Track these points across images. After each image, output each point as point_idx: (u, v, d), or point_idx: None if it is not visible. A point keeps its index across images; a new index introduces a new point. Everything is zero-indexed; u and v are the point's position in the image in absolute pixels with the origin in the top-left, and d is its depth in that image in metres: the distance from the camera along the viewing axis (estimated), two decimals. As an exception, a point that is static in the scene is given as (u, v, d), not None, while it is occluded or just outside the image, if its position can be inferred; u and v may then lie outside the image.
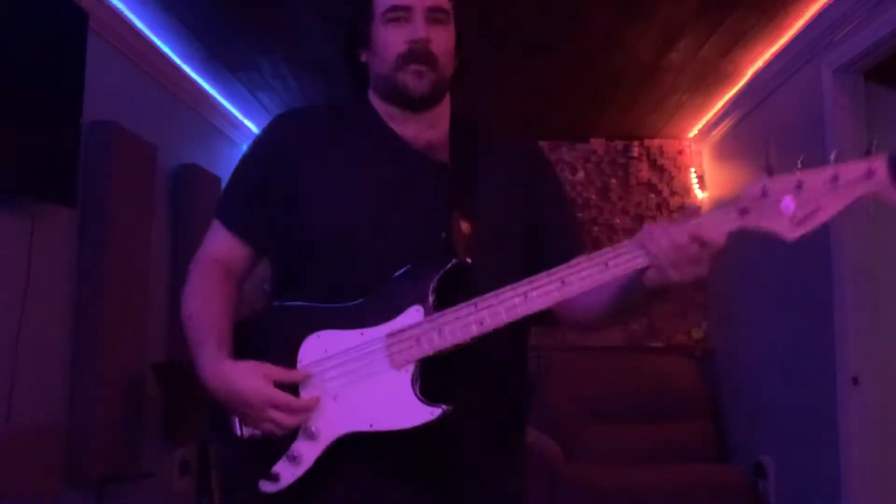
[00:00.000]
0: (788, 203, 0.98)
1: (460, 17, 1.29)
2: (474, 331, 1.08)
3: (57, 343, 2.65)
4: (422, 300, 1.11)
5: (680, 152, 4.71)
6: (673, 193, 4.70)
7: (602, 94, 3.97)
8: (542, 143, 4.66)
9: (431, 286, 1.11)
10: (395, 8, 1.19)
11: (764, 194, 1.00)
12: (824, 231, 2.92)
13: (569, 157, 4.72)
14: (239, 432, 1.17)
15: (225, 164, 4.35)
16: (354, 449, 1.12)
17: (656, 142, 4.71)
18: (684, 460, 3.86)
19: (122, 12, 2.95)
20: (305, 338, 1.15)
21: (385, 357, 1.11)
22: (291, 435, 1.13)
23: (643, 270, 1.04)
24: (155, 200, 3.25)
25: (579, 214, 4.68)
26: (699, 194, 4.66)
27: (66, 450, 2.60)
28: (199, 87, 3.78)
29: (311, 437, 1.12)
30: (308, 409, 1.12)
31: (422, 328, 1.10)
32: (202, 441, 3.19)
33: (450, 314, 1.09)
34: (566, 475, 3.66)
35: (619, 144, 4.72)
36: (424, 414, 1.08)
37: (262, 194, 1.26)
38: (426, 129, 1.27)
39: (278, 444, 1.13)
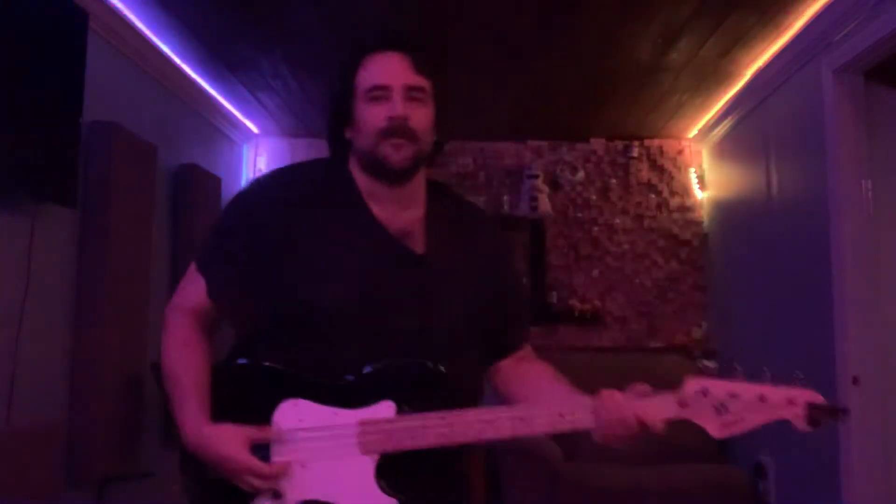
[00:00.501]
0: (722, 407, 1.18)
1: (441, 93, 1.34)
2: (435, 442, 1.19)
3: (57, 343, 2.65)
4: (395, 398, 1.21)
5: (680, 152, 4.71)
6: (673, 193, 4.70)
7: (602, 94, 3.97)
8: (542, 144, 4.73)
9: (405, 386, 1.21)
10: (374, 87, 1.26)
11: (703, 394, 1.19)
12: (824, 231, 2.93)
13: (569, 157, 4.72)
14: (212, 475, 1.24)
15: (225, 164, 4.35)
16: None
17: (656, 142, 4.71)
18: (684, 460, 3.86)
19: (122, 12, 2.95)
20: (282, 401, 1.23)
21: (355, 443, 1.20)
22: (251, 494, 1.22)
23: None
24: (155, 200, 3.25)
25: (579, 215, 4.69)
26: (699, 194, 4.66)
27: (66, 450, 2.60)
28: (199, 87, 3.78)
29: (276, 497, 1.21)
30: (279, 476, 1.20)
31: (392, 425, 1.20)
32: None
33: (419, 419, 1.19)
34: (566, 475, 3.66)
35: (619, 144, 4.72)
36: (382, 502, 1.19)
37: (242, 260, 1.30)
38: (402, 211, 1.32)
39: (245, 494, 1.22)
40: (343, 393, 1.22)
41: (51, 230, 2.56)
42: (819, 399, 1.22)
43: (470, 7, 2.94)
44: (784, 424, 1.17)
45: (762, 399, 1.18)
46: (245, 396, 1.25)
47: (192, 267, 1.34)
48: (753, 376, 1.20)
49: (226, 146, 4.40)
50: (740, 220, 4.09)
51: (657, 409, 1.19)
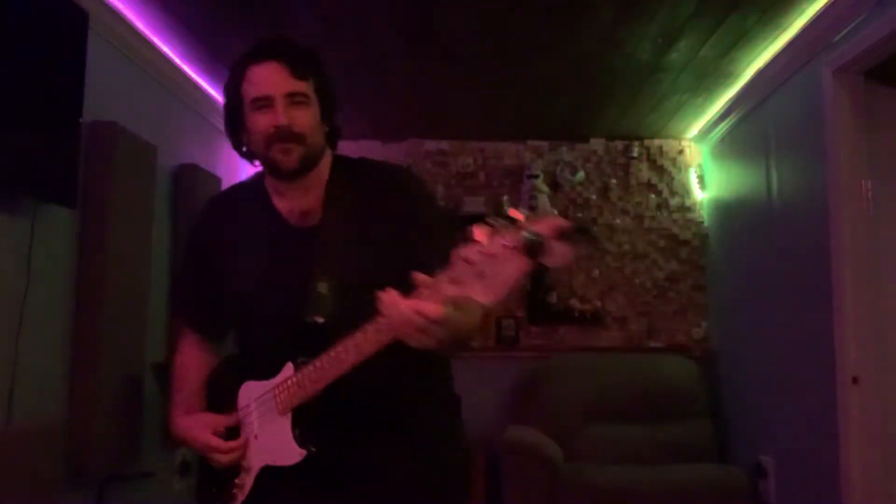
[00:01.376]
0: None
1: (324, 86, 1.42)
2: (316, 385, 1.30)
3: (57, 343, 2.65)
4: (292, 357, 1.35)
5: (680, 152, 4.71)
6: (673, 193, 4.70)
7: (602, 94, 3.97)
8: (542, 144, 4.72)
9: (295, 344, 1.35)
10: (257, 99, 1.36)
11: (468, 262, 1.03)
12: (824, 231, 2.93)
13: (569, 158, 4.72)
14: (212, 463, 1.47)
15: (225, 164, 4.35)
16: (277, 477, 1.38)
17: (656, 142, 4.71)
18: (684, 460, 3.86)
19: (122, 12, 2.95)
20: (240, 386, 1.46)
21: (274, 406, 1.38)
22: (237, 468, 1.43)
23: None
24: (155, 200, 3.25)
25: (579, 214, 4.68)
26: (699, 194, 4.66)
27: (66, 450, 2.60)
28: (199, 87, 3.78)
29: (246, 470, 1.43)
30: (237, 450, 1.42)
31: (292, 381, 1.34)
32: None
33: (304, 371, 1.32)
34: (566, 475, 3.66)
35: (619, 144, 4.72)
36: (295, 454, 1.33)
37: (203, 290, 1.55)
38: (301, 198, 1.44)
39: (231, 475, 1.44)
40: (268, 366, 1.39)
41: (51, 230, 2.56)
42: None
43: (469, 6, 2.94)
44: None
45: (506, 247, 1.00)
46: (224, 390, 1.50)
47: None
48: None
49: (226, 146, 4.38)
50: (740, 220, 4.09)
51: (433, 294, 1.09)
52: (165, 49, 3.35)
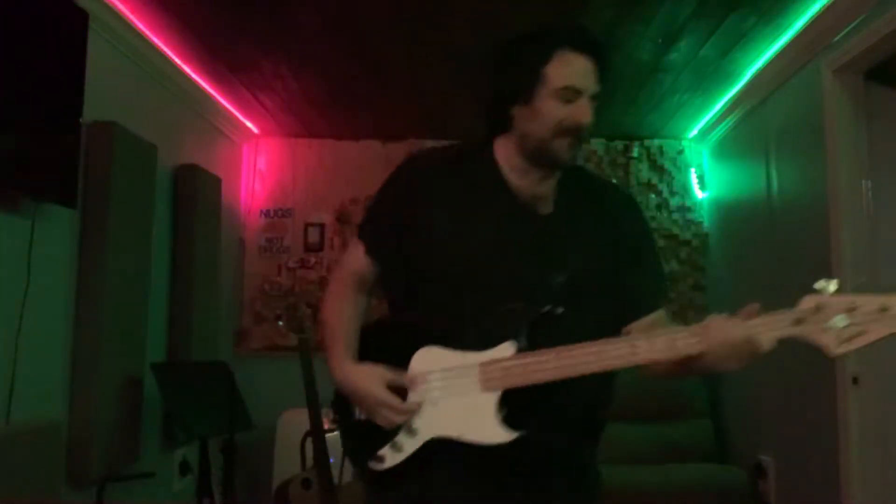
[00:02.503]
0: (840, 321, 1.11)
1: None
2: (550, 377, 1.26)
3: (57, 343, 2.65)
4: (515, 338, 1.30)
5: (680, 152, 4.71)
6: (673, 193, 4.70)
7: (602, 94, 3.96)
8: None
9: (524, 327, 1.30)
10: (569, 88, 1.32)
11: (818, 310, 1.12)
12: (824, 231, 2.93)
13: (569, 157, 4.72)
14: (356, 415, 1.42)
15: (225, 164, 4.35)
16: (446, 447, 1.32)
17: (656, 142, 4.71)
18: (684, 460, 3.86)
19: (122, 12, 2.95)
20: (418, 350, 1.37)
21: (478, 381, 1.31)
22: (397, 427, 1.35)
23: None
24: (155, 200, 3.25)
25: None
26: (699, 194, 4.66)
27: (66, 450, 2.60)
28: (199, 87, 3.78)
29: (412, 433, 1.35)
30: (410, 412, 1.34)
31: (511, 363, 1.29)
32: (202, 441, 3.19)
33: (534, 356, 1.27)
34: (566, 475, 3.66)
35: (619, 144, 4.72)
36: (502, 435, 1.27)
37: (396, 229, 1.46)
38: (539, 183, 1.41)
39: (386, 432, 1.36)
40: (471, 338, 1.32)
41: (51, 230, 2.56)
42: None
43: (469, 6, 2.94)
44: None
45: (884, 309, 1.10)
46: (391, 348, 1.40)
47: (356, 243, 1.52)
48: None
49: (226, 146, 4.40)
50: (740, 220, 4.09)
51: (770, 327, 1.16)
52: (165, 49, 3.35)
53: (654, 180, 4.70)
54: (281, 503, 3.19)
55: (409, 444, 1.35)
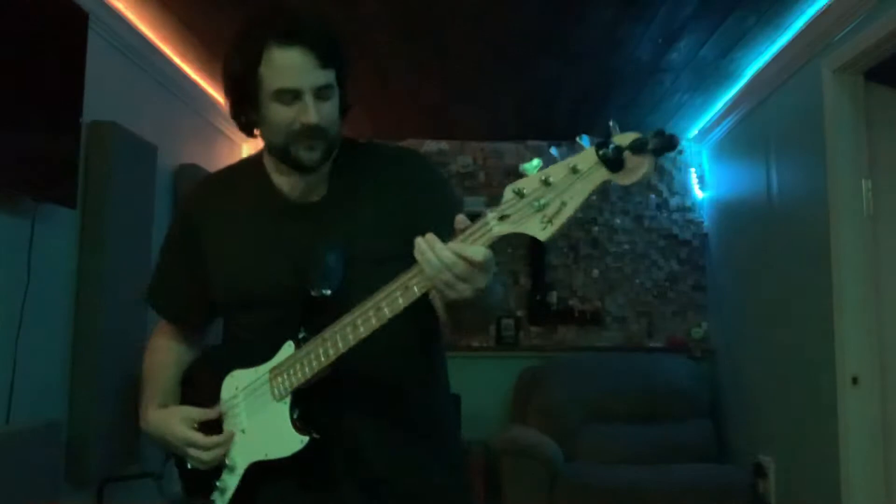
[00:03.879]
0: (540, 200, 0.97)
1: (346, 65, 1.27)
2: (322, 361, 1.16)
3: (57, 343, 2.65)
4: (292, 335, 1.21)
5: (680, 152, 4.71)
6: (673, 193, 4.70)
7: (602, 94, 3.97)
8: (542, 144, 4.72)
9: (299, 321, 1.21)
10: (282, 91, 1.20)
11: (519, 196, 0.99)
12: (824, 231, 2.93)
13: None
14: (187, 465, 1.32)
15: (225, 164, 4.34)
16: (268, 473, 1.24)
17: (656, 142, 4.71)
18: (684, 460, 3.86)
19: (122, 12, 2.95)
20: (224, 377, 1.31)
21: (269, 391, 1.23)
22: (219, 468, 1.28)
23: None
24: (155, 200, 3.25)
25: (579, 215, 4.66)
26: (699, 194, 4.66)
27: (66, 450, 2.60)
28: (199, 87, 3.78)
29: (231, 469, 1.27)
30: (221, 445, 1.26)
31: (292, 361, 1.20)
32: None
33: (310, 346, 1.18)
34: (566, 475, 3.66)
35: (619, 144, 4.72)
36: (296, 442, 1.18)
37: (181, 278, 1.42)
38: (304, 178, 1.31)
39: (212, 476, 1.29)
40: (260, 350, 1.26)
41: (51, 230, 2.56)
42: (628, 137, 0.93)
43: (470, 6, 2.94)
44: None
45: (574, 170, 0.96)
46: (205, 384, 1.34)
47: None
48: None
49: (226, 146, 4.40)
50: (740, 220, 4.09)
51: (474, 236, 1.02)
52: (165, 49, 3.35)
53: (654, 180, 4.70)
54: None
55: (230, 482, 1.27)
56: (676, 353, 4.47)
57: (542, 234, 0.98)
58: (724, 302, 4.33)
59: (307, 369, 1.18)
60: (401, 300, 1.08)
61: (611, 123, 0.94)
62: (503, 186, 1.02)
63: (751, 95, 3.72)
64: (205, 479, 1.29)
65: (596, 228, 4.69)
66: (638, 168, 0.92)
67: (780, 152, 3.50)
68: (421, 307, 1.14)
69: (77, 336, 2.73)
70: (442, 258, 1.01)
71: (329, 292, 1.20)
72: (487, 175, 4.76)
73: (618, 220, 4.70)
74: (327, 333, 1.16)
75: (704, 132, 4.48)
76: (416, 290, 1.07)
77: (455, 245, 1.02)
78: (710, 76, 3.64)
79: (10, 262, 2.38)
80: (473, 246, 1.01)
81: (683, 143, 4.70)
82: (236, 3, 2.92)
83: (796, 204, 3.32)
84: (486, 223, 1.01)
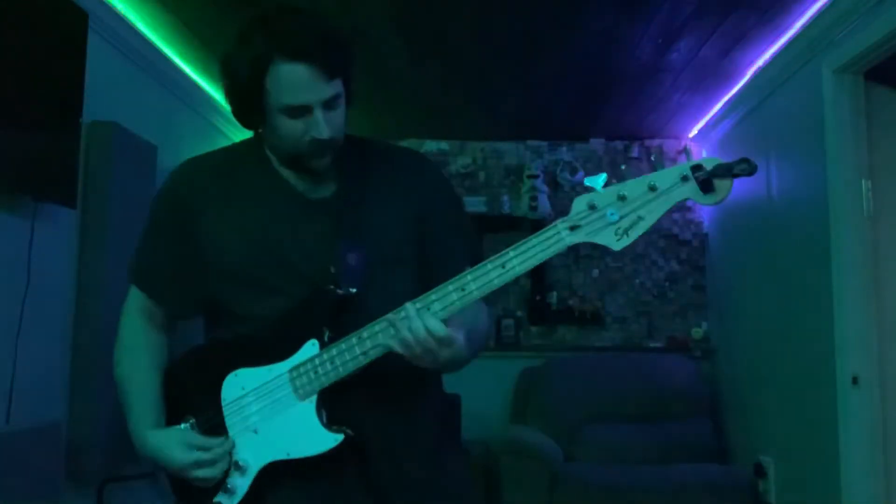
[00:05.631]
0: (614, 213, 1.06)
1: (351, 69, 1.28)
2: (361, 361, 1.18)
3: (57, 343, 2.65)
4: (317, 334, 1.21)
5: (680, 152, 4.71)
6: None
7: (602, 94, 3.97)
8: (542, 144, 4.72)
9: (324, 318, 1.22)
10: (291, 107, 1.19)
11: (592, 209, 1.07)
12: (824, 231, 2.93)
13: (569, 157, 4.72)
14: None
15: (225, 164, 4.34)
16: (283, 474, 1.24)
17: (656, 142, 4.71)
18: (684, 460, 3.86)
19: (121, 12, 2.95)
20: (225, 377, 1.27)
21: (291, 391, 1.22)
22: (226, 469, 1.26)
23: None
24: (155, 200, 3.24)
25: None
26: (699, 194, 4.66)
27: (66, 450, 2.60)
28: (199, 87, 3.78)
29: (241, 470, 1.25)
30: (226, 457, 1.25)
31: (318, 360, 1.20)
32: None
33: (340, 346, 1.19)
34: (566, 475, 3.66)
35: (619, 144, 4.72)
36: (328, 441, 1.19)
37: (169, 257, 1.34)
38: (310, 174, 1.31)
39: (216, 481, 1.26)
40: (273, 347, 1.24)
41: (51, 230, 2.56)
42: (710, 165, 1.05)
43: (469, 6, 2.94)
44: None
45: (653, 188, 1.05)
46: (204, 379, 1.30)
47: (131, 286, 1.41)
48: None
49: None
50: (740, 220, 4.09)
51: (547, 244, 1.10)
52: (165, 49, 3.35)
53: (654, 180, 4.70)
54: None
55: (241, 484, 1.25)
56: (676, 353, 4.47)
57: (617, 245, 1.06)
58: (724, 302, 4.33)
59: (340, 368, 1.18)
60: (453, 307, 1.13)
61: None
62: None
63: (751, 95, 3.72)
64: (203, 488, 1.27)
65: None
66: (721, 190, 1.05)
67: (780, 152, 3.50)
68: None
69: (77, 336, 2.73)
70: (415, 332, 1.09)
71: (355, 290, 1.21)
72: (487, 175, 4.76)
73: (618, 220, 4.70)
74: (365, 332, 1.17)
75: (704, 132, 4.48)
76: (473, 294, 1.12)
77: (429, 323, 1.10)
78: (710, 76, 3.64)
79: (10, 262, 2.37)
80: (549, 252, 1.09)
81: (683, 143, 4.71)
82: (236, 4, 2.92)
83: (796, 204, 3.32)
84: (557, 233, 1.08)
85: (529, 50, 3.36)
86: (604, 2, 2.88)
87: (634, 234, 1.06)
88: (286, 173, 1.31)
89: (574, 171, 4.69)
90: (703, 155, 4.66)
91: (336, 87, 1.22)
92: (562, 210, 4.67)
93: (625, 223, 1.06)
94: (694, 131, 4.56)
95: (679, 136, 4.68)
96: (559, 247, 1.08)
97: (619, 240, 1.06)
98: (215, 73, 3.59)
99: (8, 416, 2.31)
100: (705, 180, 1.03)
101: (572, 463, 3.84)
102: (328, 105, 1.21)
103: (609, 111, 4.21)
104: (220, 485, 1.26)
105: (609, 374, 4.28)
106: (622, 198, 1.05)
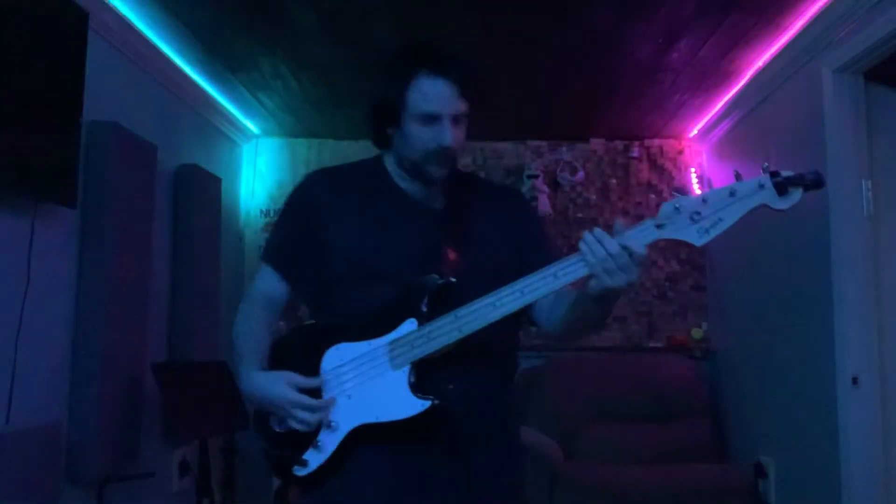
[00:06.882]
0: (696, 215, 1.24)
1: (476, 97, 1.48)
2: (454, 336, 1.33)
3: (57, 343, 2.65)
4: (415, 313, 1.38)
5: (680, 152, 4.71)
6: (673, 194, 4.69)
7: (602, 94, 3.97)
8: (542, 144, 4.73)
9: (423, 301, 1.38)
10: (426, 115, 1.41)
11: (677, 211, 1.25)
12: (824, 231, 2.93)
13: (569, 157, 4.72)
14: (276, 428, 1.43)
15: (225, 164, 4.35)
16: (370, 437, 1.37)
17: (656, 142, 4.71)
18: (684, 460, 3.86)
19: (122, 12, 2.95)
20: (326, 350, 1.44)
21: (387, 361, 1.37)
22: (317, 429, 1.39)
23: (588, 280, 1.27)
24: (155, 200, 3.25)
25: (579, 215, 4.69)
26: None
27: (66, 450, 2.60)
28: (199, 87, 3.78)
29: (332, 429, 1.38)
30: (325, 408, 1.38)
31: (415, 335, 1.36)
32: (202, 441, 3.19)
33: (436, 323, 1.35)
34: (566, 475, 3.66)
35: (619, 144, 4.72)
36: (417, 406, 1.33)
37: (300, 242, 1.55)
38: (425, 188, 1.52)
39: (306, 436, 1.39)
40: (375, 326, 1.40)
41: (51, 230, 2.56)
42: (786, 173, 1.22)
43: (469, 6, 2.94)
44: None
45: (733, 194, 1.23)
46: (306, 354, 1.46)
47: (261, 265, 1.60)
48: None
49: (226, 146, 4.40)
50: (740, 219, 4.08)
51: (639, 235, 1.26)
52: (165, 49, 3.35)
53: (654, 180, 4.70)
54: (281, 503, 3.19)
55: (330, 441, 1.38)
56: (676, 353, 4.47)
57: (699, 241, 1.25)
58: (724, 302, 4.33)
59: (435, 343, 1.34)
60: (547, 286, 1.29)
61: (765, 165, 1.25)
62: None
63: (751, 95, 3.72)
64: (300, 441, 1.39)
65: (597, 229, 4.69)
66: (792, 196, 1.23)
67: (780, 152, 3.50)
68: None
69: (77, 336, 2.73)
70: (609, 249, 1.23)
71: (454, 280, 1.39)
72: (487, 175, 4.75)
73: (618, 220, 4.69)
74: (462, 312, 1.32)
75: (704, 132, 4.48)
76: (567, 276, 1.28)
77: (621, 238, 1.24)
78: (710, 76, 3.64)
79: (10, 262, 2.38)
80: (634, 244, 1.24)
81: (683, 143, 4.71)
82: (236, 3, 2.93)
83: (796, 204, 3.31)
84: (646, 228, 1.26)
85: (529, 50, 3.36)
86: (604, 2, 2.88)
87: (714, 233, 1.24)
88: (404, 185, 1.52)
89: (574, 171, 4.69)
90: (703, 155, 4.66)
91: (464, 105, 1.43)
92: (562, 210, 4.69)
93: (706, 223, 1.24)
94: (694, 131, 4.56)
95: (679, 136, 4.67)
96: (648, 239, 1.25)
97: (700, 237, 1.24)
98: (215, 72, 3.62)
99: (8, 416, 2.31)
100: (780, 185, 1.21)
101: (572, 463, 3.84)
102: (455, 119, 1.42)
103: (609, 111, 4.21)
104: (310, 441, 1.39)
105: (609, 374, 4.27)
106: (704, 201, 1.24)
